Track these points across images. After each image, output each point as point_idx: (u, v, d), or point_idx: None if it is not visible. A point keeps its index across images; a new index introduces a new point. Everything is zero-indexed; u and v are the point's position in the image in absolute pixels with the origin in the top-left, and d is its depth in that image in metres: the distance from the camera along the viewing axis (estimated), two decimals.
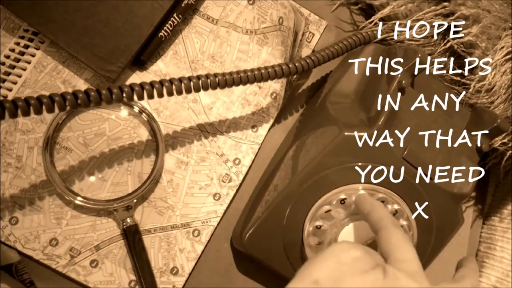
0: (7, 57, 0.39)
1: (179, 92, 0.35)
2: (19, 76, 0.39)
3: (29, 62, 0.39)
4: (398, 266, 0.30)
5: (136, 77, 0.41)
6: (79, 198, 0.39)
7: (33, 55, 0.40)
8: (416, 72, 0.39)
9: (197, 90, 0.36)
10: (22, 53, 0.40)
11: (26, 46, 0.40)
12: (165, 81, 0.35)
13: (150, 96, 0.34)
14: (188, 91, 0.35)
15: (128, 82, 0.41)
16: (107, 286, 0.40)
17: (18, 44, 0.39)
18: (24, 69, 0.39)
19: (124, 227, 0.40)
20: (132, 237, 0.40)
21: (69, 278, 0.40)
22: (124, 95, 0.33)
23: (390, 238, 0.32)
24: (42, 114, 0.31)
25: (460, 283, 0.35)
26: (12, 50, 0.39)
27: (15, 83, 0.39)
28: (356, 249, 0.31)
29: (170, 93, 0.35)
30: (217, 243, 0.43)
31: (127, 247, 0.40)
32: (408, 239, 0.32)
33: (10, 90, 0.39)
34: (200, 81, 0.36)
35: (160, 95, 0.35)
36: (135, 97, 0.34)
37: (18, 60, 0.39)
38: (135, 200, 0.40)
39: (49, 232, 0.39)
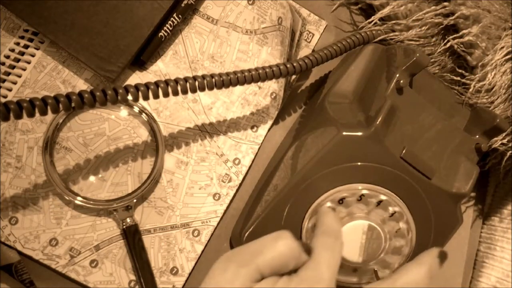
0: (7, 57, 0.39)
1: (175, 93, 0.35)
2: (19, 76, 0.39)
3: (29, 62, 0.40)
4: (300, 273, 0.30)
5: (136, 77, 0.41)
6: (79, 198, 0.39)
7: (33, 55, 0.40)
8: (414, 72, 0.40)
9: (194, 91, 0.36)
10: (22, 53, 0.40)
11: (26, 46, 0.40)
12: (160, 82, 0.35)
13: (145, 98, 0.34)
14: (184, 92, 0.35)
15: (128, 82, 0.41)
16: (107, 286, 0.40)
17: (18, 44, 0.39)
18: (24, 69, 0.39)
19: (124, 227, 0.40)
20: (132, 237, 0.40)
21: (69, 278, 0.40)
22: (108, 98, 0.33)
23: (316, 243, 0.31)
24: (22, 118, 0.31)
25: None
26: (12, 50, 0.39)
27: (15, 83, 0.39)
28: (228, 267, 0.29)
29: (166, 94, 0.35)
30: (217, 243, 0.43)
31: (127, 247, 0.40)
32: (333, 258, 0.31)
33: (10, 90, 0.39)
34: (197, 82, 0.36)
35: (145, 98, 0.34)
36: (130, 97, 0.34)
37: (18, 60, 0.40)
38: (135, 200, 0.40)
39: (49, 232, 0.39)
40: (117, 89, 0.33)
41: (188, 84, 0.35)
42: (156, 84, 0.35)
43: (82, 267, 0.40)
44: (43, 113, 0.31)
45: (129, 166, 0.41)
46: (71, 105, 0.32)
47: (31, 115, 0.31)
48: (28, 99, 0.30)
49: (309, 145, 0.39)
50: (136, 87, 0.34)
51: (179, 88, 0.35)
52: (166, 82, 0.35)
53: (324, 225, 0.33)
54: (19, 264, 0.38)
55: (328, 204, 0.38)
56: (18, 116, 0.30)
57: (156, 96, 0.35)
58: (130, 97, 0.34)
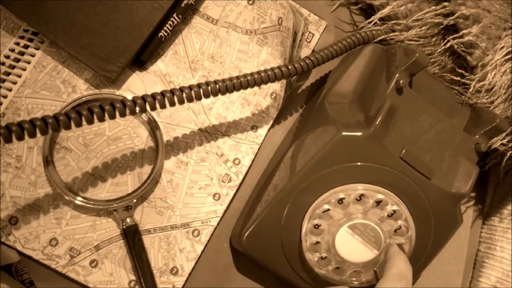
0: (7, 57, 0.39)
1: (173, 104, 0.35)
2: (19, 76, 0.39)
3: (29, 62, 0.40)
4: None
5: (136, 77, 0.41)
6: (78, 198, 0.39)
7: (33, 55, 0.40)
8: (414, 72, 0.40)
9: (190, 100, 0.36)
10: (22, 53, 0.40)
11: (26, 46, 0.40)
12: (157, 94, 0.35)
13: (133, 112, 0.34)
14: (181, 102, 0.36)
15: (128, 82, 0.41)
16: (107, 286, 0.40)
17: (18, 44, 0.39)
18: (24, 69, 0.39)
19: (124, 227, 0.40)
20: (132, 237, 0.40)
21: (69, 278, 0.40)
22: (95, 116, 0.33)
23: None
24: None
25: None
26: (12, 50, 0.39)
27: (15, 83, 0.39)
28: None
29: (171, 104, 0.35)
30: (217, 243, 0.43)
31: (127, 247, 0.40)
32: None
33: (10, 90, 0.39)
34: (201, 90, 0.36)
35: (133, 112, 0.35)
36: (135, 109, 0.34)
37: (18, 60, 0.40)
38: (134, 200, 0.40)
39: (48, 232, 0.39)
40: (114, 104, 0.33)
41: (193, 92, 0.36)
42: (162, 94, 0.35)
43: (82, 267, 0.40)
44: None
45: (129, 166, 0.41)
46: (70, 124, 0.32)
47: (24, 136, 0.30)
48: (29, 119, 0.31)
49: (309, 145, 0.39)
50: (134, 100, 0.34)
51: (175, 99, 0.36)
52: (163, 93, 0.35)
53: (396, 267, 0.35)
54: (19, 264, 0.38)
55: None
56: (8, 140, 0.30)
57: (153, 108, 0.35)
58: (133, 109, 0.34)
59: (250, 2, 0.43)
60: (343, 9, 0.47)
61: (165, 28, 0.40)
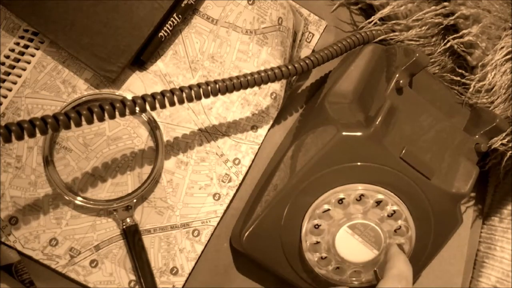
0: (7, 57, 0.39)
1: (173, 104, 0.35)
2: (19, 76, 0.39)
3: (29, 62, 0.40)
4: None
5: (136, 77, 0.41)
6: (78, 198, 0.39)
7: (33, 55, 0.40)
8: (414, 72, 0.40)
9: (190, 100, 0.36)
10: (22, 53, 0.40)
11: (26, 46, 0.40)
12: (166, 92, 0.35)
13: (133, 112, 0.35)
14: (181, 102, 0.36)
15: (128, 82, 0.41)
16: (107, 286, 0.40)
17: (18, 44, 0.39)
18: (24, 69, 0.39)
19: (124, 227, 0.40)
20: (132, 237, 0.40)
21: (69, 278, 0.40)
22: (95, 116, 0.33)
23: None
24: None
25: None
26: (12, 50, 0.39)
27: (15, 83, 0.39)
28: None
29: (171, 104, 0.35)
30: (217, 243, 0.43)
31: (127, 247, 0.40)
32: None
33: (10, 90, 0.39)
34: (201, 90, 0.36)
35: (130, 113, 0.35)
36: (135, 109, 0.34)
37: (18, 60, 0.40)
38: (134, 200, 0.40)
39: (48, 232, 0.39)
40: (114, 104, 0.33)
41: (193, 92, 0.36)
42: (162, 94, 0.35)
43: (82, 267, 0.40)
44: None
45: (129, 166, 0.41)
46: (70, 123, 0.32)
47: (31, 135, 0.30)
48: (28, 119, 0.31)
49: (309, 145, 0.39)
50: (134, 100, 0.34)
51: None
52: (163, 93, 0.35)
53: (396, 268, 0.36)
54: (19, 264, 0.38)
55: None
56: (8, 140, 0.30)
57: (153, 108, 0.35)
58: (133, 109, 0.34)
59: (250, 2, 0.43)
60: (343, 9, 0.47)
61: (165, 28, 0.40)
